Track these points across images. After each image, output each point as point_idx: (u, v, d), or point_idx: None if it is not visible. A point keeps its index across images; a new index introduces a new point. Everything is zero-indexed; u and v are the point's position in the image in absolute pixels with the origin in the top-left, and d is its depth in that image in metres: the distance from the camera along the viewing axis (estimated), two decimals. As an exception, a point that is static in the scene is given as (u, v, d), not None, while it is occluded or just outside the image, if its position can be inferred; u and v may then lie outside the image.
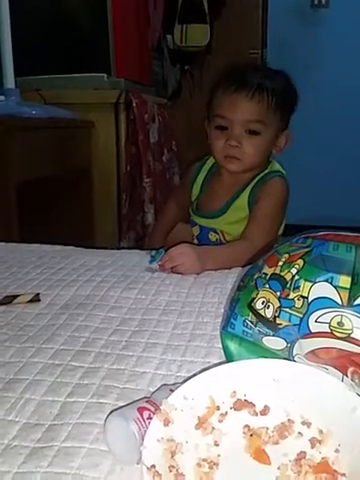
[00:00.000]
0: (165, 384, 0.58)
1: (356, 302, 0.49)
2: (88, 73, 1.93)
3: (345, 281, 0.50)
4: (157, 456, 0.46)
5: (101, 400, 0.57)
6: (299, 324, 0.51)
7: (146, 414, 0.49)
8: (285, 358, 0.54)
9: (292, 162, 3.18)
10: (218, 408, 0.54)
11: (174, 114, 2.47)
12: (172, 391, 0.52)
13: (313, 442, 0.52)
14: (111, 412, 0.52)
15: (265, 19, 3.13)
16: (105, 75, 1.94)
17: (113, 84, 1.95)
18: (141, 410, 0.49)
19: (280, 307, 0.52)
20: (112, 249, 1.23)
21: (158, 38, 2.57)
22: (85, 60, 1.99)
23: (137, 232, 2.01)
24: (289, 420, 0.54)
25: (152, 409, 0.50)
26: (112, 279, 0.95)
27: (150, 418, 0.49)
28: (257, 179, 1.29)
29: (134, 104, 1.89)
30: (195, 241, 1.38)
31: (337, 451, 0.49)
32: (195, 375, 0.55)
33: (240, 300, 0.57)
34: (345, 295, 0.50)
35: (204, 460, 0.50)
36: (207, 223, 1.34)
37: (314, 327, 0.50)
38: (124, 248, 1.44)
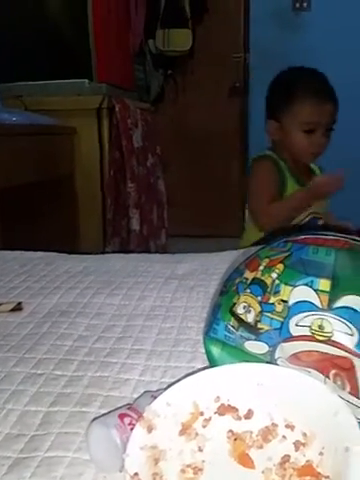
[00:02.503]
0: (148, 391, 0.58)
1: (336, 305, 0.50)
2: (69, 79, 1.93)
3: (325, 284, 0.51)
4: (140, 464, 0.46)
5: (84, 409, 0.56)
6: (280, 328, 0.51)
7: (127, 420, 0.49)
8: (268, 362, 0.54)
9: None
10: (202, 413, 0.54)
11: (158, 118, 2.47)
12: (155, 397, 0.52)
13: (297, 445, 0.52)
14: (93, 420, 0.52)
15: (247, 23, 3.16)
16: (87, 81, 1.94)
17: (95, 89, 1.94)
18: (122, 417, 0.49)
19: (261, 312, 0.52)
20: (96, 254, 1.23)
21: (140, 43, 2.57)
22: (66, 66, 1.98)
23: (122, 237, 2.01)
24: (273, 424, 0.54)
25: (134, 416, 0.49)
26: (96, 285, 0.94)
27: (132, 425, 0.48)
28: None
29: (117, 109, 1.89)
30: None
31: (321, 454, 0.50)
32: (179, 381, 0.55)
33: (222, 305, 0.57)
34: (325, 298, 0.50)
35: (188, 466, 0.50)
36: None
37: (295, 331, 0.51)
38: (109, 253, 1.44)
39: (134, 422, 0.48)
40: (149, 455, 0.48)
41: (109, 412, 0.52)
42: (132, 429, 0.48)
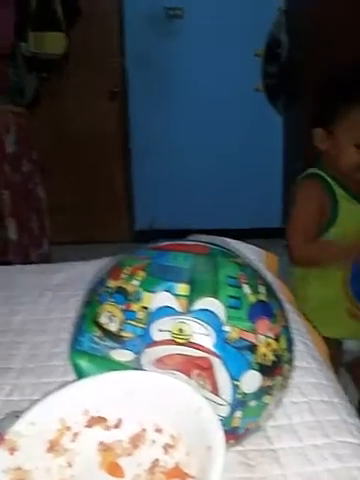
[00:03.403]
0: (13, 411, 0.56)
1: (194, 308, 0.52)
2: None
3: (183, 289, 0.52)
4: (2, 489, 0.44)
5: None
6: (143, 335, 0.52)
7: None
8: (135, 369, 0.54)
9: (155, 170, 3.28)
10: (69, 428, 0.53)
11: (34, 123, 2.39)
12: (19, 418, 0.50)
13: (166, 448, 0.53)
14: None
15: (122, 28, 3.17)
16: None
17: None
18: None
19: (124, 320, 0.53)
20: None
21: (12, 45, 2.47)
22: None
23: (-1, 248, 1.91)
24: (143, 429, 0.55)
25: (-5, 440, 0.47)
26: None
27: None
28: None
29: (-14, 113, 1.80)
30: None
31: (188, 454, 0.51)
32: (45, 398, 0.53)
33: (86, 316, 0.56)
34: (184, 302, 0.52)
35: (56, 483, 0.49)
36: None
37: (157, 336, 0.52)
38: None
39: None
40: (12, 478, 0.46)
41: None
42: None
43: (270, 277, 1.01)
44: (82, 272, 1.07)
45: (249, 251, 1.14)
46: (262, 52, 3.14)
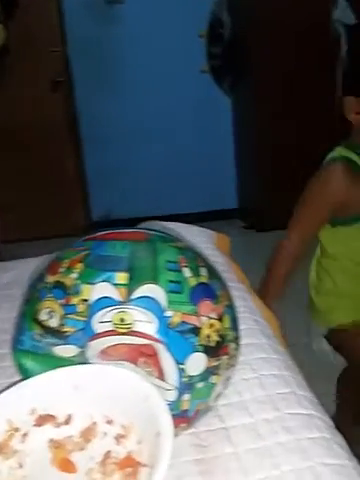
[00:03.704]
0: None
1: (134, 296, 0.51)
2: None
3: (122, 278, 0.52)
4: None
5: None
6: (84, 328, 0.51)
7: None
8: (80, 363, 0.54)
9: (108, 158, 3.24)
10: (18, 429, 0.52)
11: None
12: None
13: (118, 439, 0.53)
14: None
15: (61, 16, 3.09)
16: None
17: None
18: None
19: (64, 314, 0.52)
20: None
21: None
22: None
23: None
24: (93, 423, 0.54)
25: None
26: None
27: None
28: None
29: None
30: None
31: (140, 442, 0.51)
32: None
33: (26, 314, 0.55)
34: (123, 291, 0.51)
35: (7, 485, 0.48)
36: None
37: (99, 328, 0.51)
38: None
39: None
40: None
41: None
42: None
43: (221, 258, 1.02)
44: (32, 269, 1.05)
45: (200, 234, 1.14)
46: (205, 33, 3.12)
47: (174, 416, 0.51)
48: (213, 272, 0.59)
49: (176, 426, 0.53)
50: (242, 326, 0.72)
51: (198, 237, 1.09)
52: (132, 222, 1.03)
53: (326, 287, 1.31)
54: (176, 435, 0.55)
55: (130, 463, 0.50)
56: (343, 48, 2.82)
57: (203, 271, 0.56)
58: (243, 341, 0.68)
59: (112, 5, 3.18)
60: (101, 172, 3.23)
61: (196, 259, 0.58)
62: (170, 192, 3.32)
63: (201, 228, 1.19)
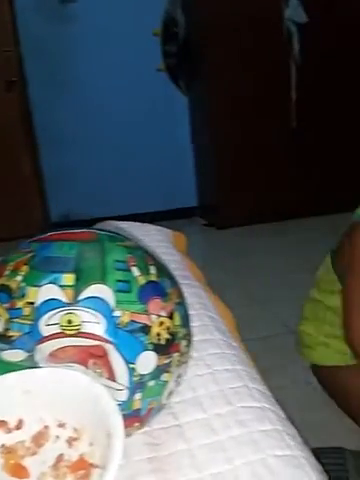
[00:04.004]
0: None
1: (81, 297, 0.51)
2: None
3: (69, 279, 0.51)
4: None
5: None
6: (31, 331, 0.50)
7: None
8: (30, 367, 0.53)
9: (65, 159, 3.19)
10: (-35, 438, 0.51)
11: None
12: None
13: (70, 441, 0.52)
14: None
15: (13, 16, 3.03)
16: None
17: None
18: None
19: (10, 319, 0.51)
20: None
21: None
22: None
23: None
24: (45, 427, 0.54)
25: None
26: None
27: None
28: None
29: None
30: None
31: (92, 444, 0.51)
32: None
33: (-30, 320, 0.54)
34: (70, 293, 0.51)
35: None
36: None
37: (46, 331, 0.50)
38: None
39: None
40: None
41: None
42: None
43: (176, 256, 1.02)
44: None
45: (156, 233, 1.14)
46: (159, 31, 3.12)
47: (126, 416, 0.51)
48: (163, 270, 0.59)
49: (129, 426, 0.53)
50: (197, 323, 0.73)
51: (154, 236, 1.09)
52: (91, 223, 1.02)
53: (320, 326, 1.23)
54: (129, 435, 0.55)
55: (82, 465, 0.50)
56: (295, 46, 2.88)
57: (152, 269, 0.56)
58: (198, 337, 0.68)
59: (65, 4, 3.14)
60: (58, 173, 3.19)
61: (145, 258, 0.57)
62: (129, 192, 3.30)
63: (157, 227, 1.19)
